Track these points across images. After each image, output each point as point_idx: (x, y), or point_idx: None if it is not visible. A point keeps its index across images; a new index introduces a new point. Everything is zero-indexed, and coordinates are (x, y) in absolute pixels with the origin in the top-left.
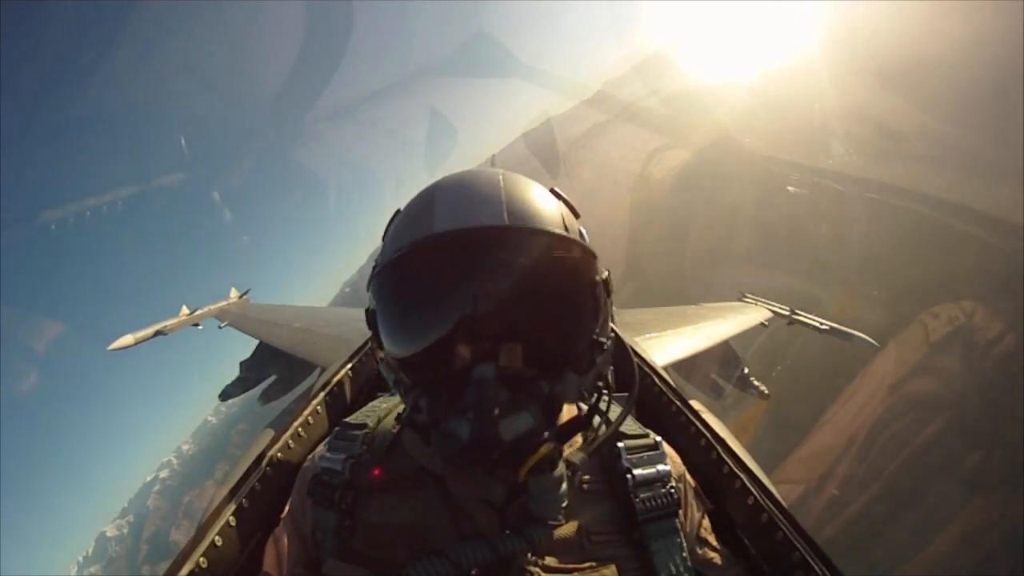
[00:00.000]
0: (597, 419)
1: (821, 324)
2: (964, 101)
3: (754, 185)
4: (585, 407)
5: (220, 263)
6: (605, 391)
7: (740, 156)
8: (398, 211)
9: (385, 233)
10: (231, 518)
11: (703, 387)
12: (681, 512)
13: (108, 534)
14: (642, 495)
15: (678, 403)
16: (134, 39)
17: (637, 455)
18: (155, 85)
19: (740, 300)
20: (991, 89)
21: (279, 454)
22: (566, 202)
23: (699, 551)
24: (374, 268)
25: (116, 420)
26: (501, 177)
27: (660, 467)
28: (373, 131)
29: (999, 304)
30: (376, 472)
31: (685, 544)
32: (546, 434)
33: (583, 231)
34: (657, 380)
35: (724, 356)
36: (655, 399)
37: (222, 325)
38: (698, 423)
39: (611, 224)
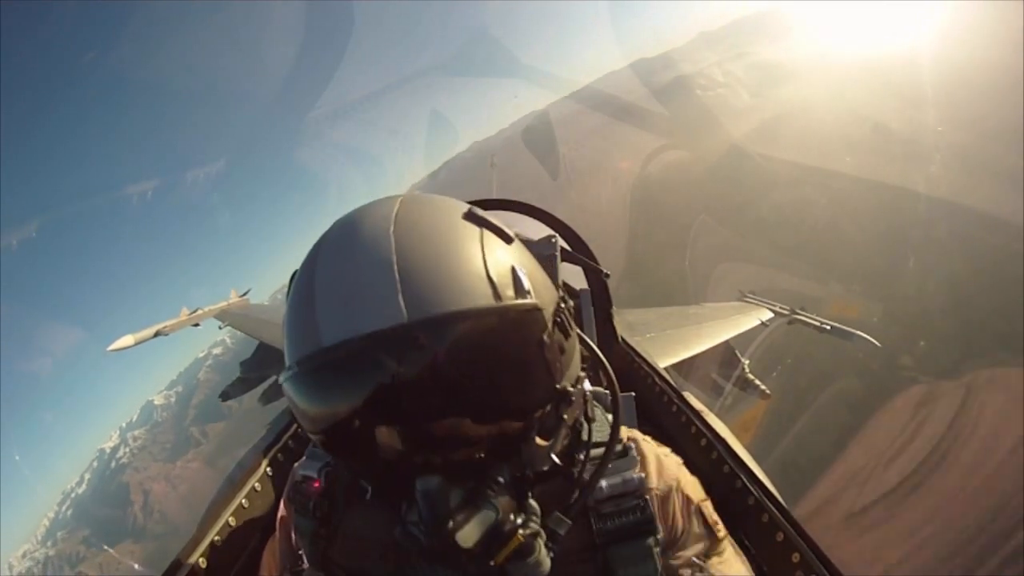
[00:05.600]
0: (583, 443)
1: (822, 324)
2: (964, 103)
3: (755, 185)
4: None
5: (220, 263)
6: (582, 421)
7: (741, 156)
8: (295, 274)
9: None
10: (231, 518)
11: (703, 387)
12: (663, 530)
13: (156, 402)
14: (604, 511)
15: (678, 403)
16: (132, 38)
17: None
18: (155, 85)
19: (740, 300)
20: (991, 92)
21: (279, 455)
22: (491, 227)
23: None
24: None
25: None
26: (392, 230)
27: (627, 475)
28: (374, 130)
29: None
30: (316, 484)
31: (660, 569)
32: (518, 520)
33: (518, 271)
34: (657, 380)
35: (724, 356)
36: (655, 399)
37: (222, 326)
38: (698, 423)
39: (611, 223)
